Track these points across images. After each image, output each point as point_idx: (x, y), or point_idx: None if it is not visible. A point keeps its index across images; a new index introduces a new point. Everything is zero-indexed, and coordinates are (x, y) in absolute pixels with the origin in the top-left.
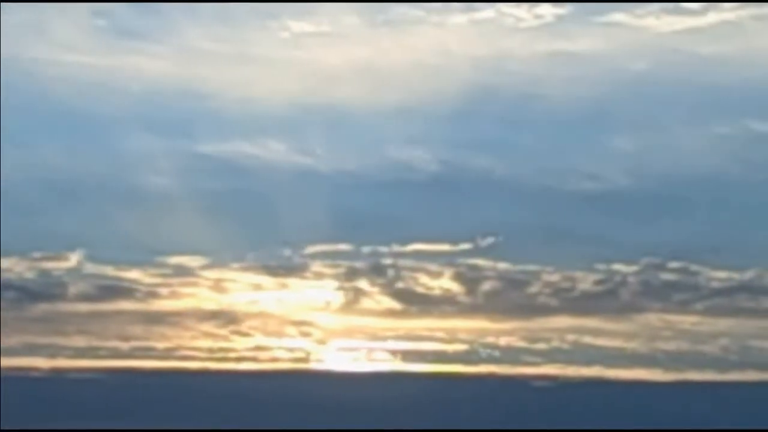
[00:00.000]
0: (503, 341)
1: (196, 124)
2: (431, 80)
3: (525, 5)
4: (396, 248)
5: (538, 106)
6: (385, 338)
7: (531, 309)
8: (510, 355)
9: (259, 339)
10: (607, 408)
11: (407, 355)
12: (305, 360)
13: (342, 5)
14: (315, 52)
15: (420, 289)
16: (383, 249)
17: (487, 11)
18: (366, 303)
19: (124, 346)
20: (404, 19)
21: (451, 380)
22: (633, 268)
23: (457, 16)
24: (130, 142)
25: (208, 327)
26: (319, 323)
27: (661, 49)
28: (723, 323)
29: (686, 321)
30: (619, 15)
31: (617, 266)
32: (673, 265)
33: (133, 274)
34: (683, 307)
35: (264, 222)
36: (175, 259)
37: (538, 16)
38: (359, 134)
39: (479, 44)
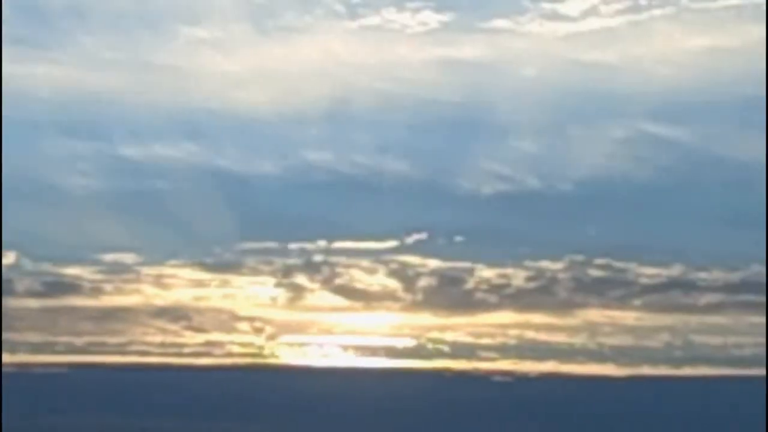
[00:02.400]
0: (449, 337)
1: (110, 128)
2: (327, 86)
3: (408, 12)
4: (322, 245)
5: (435, 111)
6: (334, 333)
7: (471, 305)
8: (460, 350)
9: (210, 335)
10: (568, 402)
11: (359, 351)
12: (260, 355)
13: (231, 12)
14: (212, 59)
15: (360, 285)
16: (310, 246)
17: (373, 18)
18: (310, 299)
19: (78, 341)
20: (293, 26)
21: (409, 375)
22: (560, 265)
23: (345, 23)
24: (49, 145)
25: (159, 323)
26: (268, 319)
27: (546, 55)
28: (663, 319)
29: (628, 317)
30: (501, 21)
31: (545, 263)
32: (599, 261)
33: (74, 271)
34: (622, 303)
35: (189, 221)
36: (109, 257)
37: (422, 23)
38: (268, 138)
39: (369, 51)
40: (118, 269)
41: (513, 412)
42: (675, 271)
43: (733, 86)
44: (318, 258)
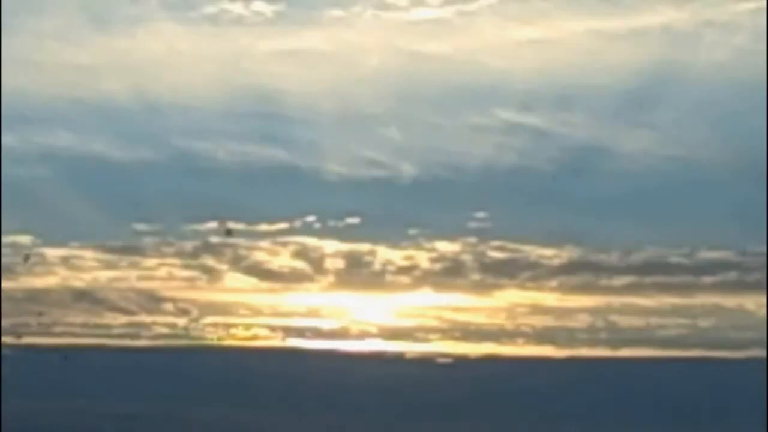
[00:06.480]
0: (372, 317)
1: None
2: (177, 76)
3: (241, 1)
4: (213, 227)
5: (288, 101)
6: (257, 315)
7: (384, 286)
8: (386, 331)
9: (133, 316)
10: (514, 384)
11: (286, 332)
12: (187, 336)
13: (66, 3)
14: (58, 50)
15: (268, 266)
16: (202, 228)
17: (208, 8)
18: (224, 280)
19: (3, 322)
20: (129, 17)
21: (345, 357)
22: (457, 247)
23: (180, 13)
24: None
25: (79, 304)
26: (187, 299)
27: (383, 46)
28: (581, 300)
29: (548, 298)
30: (334, 11)
31: (441, 244)
32: (494, 243)
33: None
34: (537, 284)
35: (77, 205)
36: (7, 239)
37: (257, 13)
38: (134, 126)
39: (211, 42)
40: (21, 251)
41: (462, 393)
42: (573, 252)
43: (564, 77)
44: (214, 239)
